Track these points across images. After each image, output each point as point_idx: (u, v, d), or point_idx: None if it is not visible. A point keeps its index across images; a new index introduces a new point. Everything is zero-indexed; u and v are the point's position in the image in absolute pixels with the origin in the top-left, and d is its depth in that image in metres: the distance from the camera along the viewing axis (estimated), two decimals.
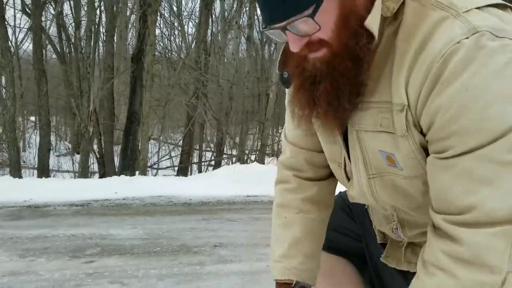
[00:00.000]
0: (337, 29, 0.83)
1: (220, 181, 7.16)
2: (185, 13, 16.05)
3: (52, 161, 11.15)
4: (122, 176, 7.87)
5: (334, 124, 0.94)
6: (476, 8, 0.81)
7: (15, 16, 13.90)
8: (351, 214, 1.34)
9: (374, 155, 0.94)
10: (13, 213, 4.97)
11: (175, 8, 14.56)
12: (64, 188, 6.38)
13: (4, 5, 9.53)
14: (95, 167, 10.71)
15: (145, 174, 8.98)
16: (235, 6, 13.08)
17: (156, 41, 10.94)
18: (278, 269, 1.20)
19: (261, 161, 10.54)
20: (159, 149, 13.20)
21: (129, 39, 14.60)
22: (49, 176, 9.15)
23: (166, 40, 14.84)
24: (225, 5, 13.29)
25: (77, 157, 11.22)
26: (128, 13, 13.35)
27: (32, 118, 17.08)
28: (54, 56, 15.40)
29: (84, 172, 9.42)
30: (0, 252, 3.59)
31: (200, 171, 11.27)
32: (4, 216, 4.84)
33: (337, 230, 1.31)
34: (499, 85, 0.75)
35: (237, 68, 11.73)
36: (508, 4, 0.87)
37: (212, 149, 12.68)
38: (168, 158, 12.81)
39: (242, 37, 12.39)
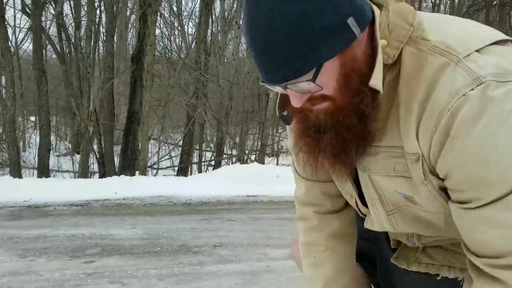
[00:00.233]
0: (340, 88, 0.81)
1: (220, 181, 7.16)
2: (185, 13, 16.06)
3: (52, 161, 11.15)
4: (122, 176, 7.87)
5: (341, 172, 0.93)
6: (476, 51, 0.80)
7: (15, 16, 13.91)
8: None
9: (390, 194, 0.93)
10: (13, 213, 4.98)
11: (175, 8, 14.57)
12: (64, 188, 6.38)
13: (4, 5, 9.53)
14: (95, 167, 10.71)
15: (145, 174, 8.98)
16: (235, 6, 13.09)
17: (156, 41, 10.94)
18: None
19: (261, 161, 10.54)
20: (159, 149, 13.20)
21: (129, 39, 14.61)
22: (49, 176, 9.15)
23: (166, 40, 14.85)
24: (225, 5, 13.31)
25: (77, 157, 11.22)
26: (128, 13, 13.36)
27: (32, 118, 17.08)
28: (54, 56, 15.41)
29: (84, 172, 9.42)
30: (0, 252, 3.59)
31: (200, 171, 11.27)
32: (4, 216, 4.84)
33: None
34: (509, 135, 0.75)
35: (237, 68, 11.73)
36: (508, 37, 0.86)
37: (212, 149, 12.69)
38: (168, 158, 12.81)
39: (242, 37, 12.39)
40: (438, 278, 1.06)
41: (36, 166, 10.26)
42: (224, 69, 11.91)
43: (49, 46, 13.77)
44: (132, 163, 9.63)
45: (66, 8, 12.18)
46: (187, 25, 25.49)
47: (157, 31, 12.07)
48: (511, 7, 13.37)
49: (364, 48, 0.83)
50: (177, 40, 15.96)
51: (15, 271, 3.17)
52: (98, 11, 10.80)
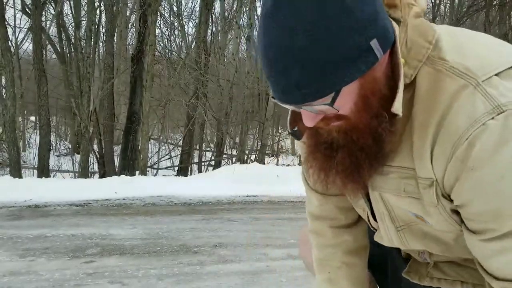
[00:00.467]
0: (358, 110, 0.78)
1: (220, 181, 7.16)
2: (185, 13, 16.06)
3: (52, 161, 11.15)
4: (122, 176, 7.87)
5: (354, 191, 0.92)
6: (496, 74, 0.76)
7: (15, 16, 13.93)
8: None
9: (400, 211, 0.92)
10: (13, 213, 4.98)
11: (175, 8, 14.56)
12: (64, 188, 6.38)
13: (4, 5, 9.54)
14: (95, 167, 10.72)
15: (145, 174, 8.98)
16: (235, 6, 13.10)
17: (156, 41, 10.93)
18: None
19: (261, 161, 10.54)
20: (159, 149, 13.20)
21: (129, 39, 14.61)
22: (49, 176, 9.15)
23: (166, 40, 14.84)
24: (225, 5, 13.31)
25: (77, 157, 11.22)
26: (128, 13, 13.36)
27: (32, 118, 17.09)
28: (54, 56, 15.43)
29: (84, 172, 9.43)
30: (0, 252, 3.59)
31: (200, 171, 11.27)
32: (4, 216, 4.84)
33: None
34: None
35: (237, 68, 11.74)
36: None
37: (212, 149, 12.69)
38: (168, 158, 12.81)
39: (242, 37, 12.40)
40: None
41: (36, 166, 10.26)
42: (224, 69, 11.91)
43: (49, 46, 13.78)
44: (132, 163, 9.63)
45: (66, 8, 12.20)
46: (187, 25, 25.49)
47: (157, 31, 12.08)
48: (511, 7, 13.37)
49: (384, 69, 0.80)
50: (177, 40, 15.96)
51: (15, 271, 3.17)
52: (98, 11, 10.82)
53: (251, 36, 11.74)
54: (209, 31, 11.74)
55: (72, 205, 5.47)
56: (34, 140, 14.04)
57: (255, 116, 11.81)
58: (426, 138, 0.79)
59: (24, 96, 13.68)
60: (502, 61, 0.78)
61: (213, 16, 12.46)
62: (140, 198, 6.06)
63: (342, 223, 1.14)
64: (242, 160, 10.67)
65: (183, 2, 22.89)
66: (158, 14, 11.36)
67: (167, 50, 13.94)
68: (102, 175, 9.47)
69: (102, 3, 10.60)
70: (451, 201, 0.82)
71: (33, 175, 10.34)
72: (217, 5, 12.94)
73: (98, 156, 10.07)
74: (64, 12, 12.18)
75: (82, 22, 10.49)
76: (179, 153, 12.00)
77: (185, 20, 15.46)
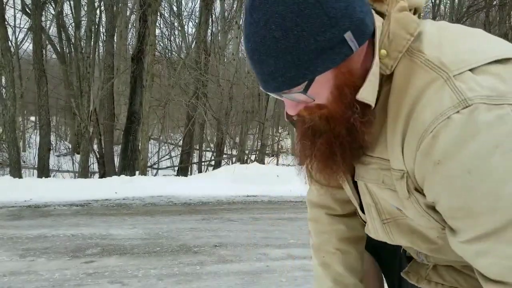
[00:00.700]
0: (334, 100, 0.81)
1: (220, 181, 7.16)
2: (185, 13, 16.11)
3: (52, 161, 11.15)
4: (122, 176, 7.88)
5: (331, 178, 0.93)
6: (470, 70, 0.75)
7: (15, 16, 13.95)
8: None
9: (386, 203, 0.92)
10: (13, 213, 4.98)
11: (175, 8, 14.58)
12: (64, 188, 6.38)
13: (4, 5, 9.54)
14: (95, 167, 10.72)
15: (145, 174, 8.98)
16: (235, 6, 13.10)
17: (156, 41, 10.94)
18: None
19: (261, 161, 10.54)
20: (159, 149, 13.21)
21: (129, 39, 14.61)
22: (49, 176, 9.15)
23: (166, 40, 14.85)
24: (225, 5, 13.31)
25: (77, 157, 11.23)
26: (128, 13, 13.36)
27: (32, 118, 17.11)
28: (54, 56, 15.43)
29: (84, 172, 9.43)
30: (1, 252, 3.59)
31: (200, 171, 11.27)
32: (5, 216, 4.84)
33: None
34: (504, 161, 0.70)
35: (237, 68, 11.74)
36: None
37: (212, 149, 12.69)
38: (168, 158, 12.81)
39: (242, 37, 12.38)
40: None
41: (36, 166, 10.27)
42: (224, 69, 11.91)
43: (49, 46, 13.79)
44: (132, 163, 9.64)
45: (66, 8, 12.21)
46: (187, 25, 25.51)
47: (157, 31, 12.08)
48: (511, 7, 13.37)
49: (362, 61, 0.81)
50: (177, 40, 15.99)
51: (15, 271, 3.17)
52: (98, 11, 10.83)
53: None
54: (209, 31, 11.76)
55: (72, 205, 5.47)
56: (34, 140, 14.04)
57: (255, 116, 11.82)
58: (397, 130, 0.79)
59: (24, 96, 13.69)
60: (481, 57, 0.77)
61: (213, 16, 12.48)
62: (140, 198, 6.06)
63: (339, 213, 1.17)
64: (242, 160, 10.67)
65: (183, 2, 22.92)
66: (158, 14, 11.36)
67: (167, 50, 13.95)
68: (102, 175, 9.47)
69: (102, 3, 10.61)
70: (424, 195, 0.81)
71: (33, 175, 10.34)
72: (217, 5, 12.96)
73: (98, 156, 10.07)
74: (64, 12, 12.20)
75: (82, 22, 10.49)
76: (179, 153, 12.01)
77: (185, 20, 15.50)
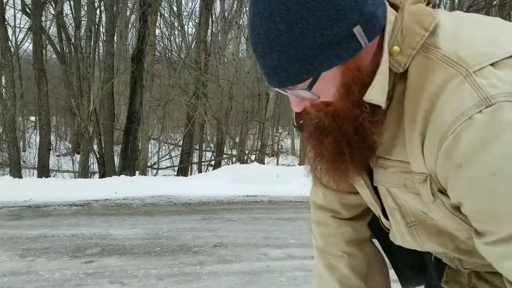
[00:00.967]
0: (340, 98, 0.77)
1: (220, 181, 7.16)
2: (185, 13, 16.05)
3: (52, 161, 11.15)
4: (122, 176, 7.88)
5: (339, 179, 0.88)
6: (492, 64, 0.71)
7: (15, 16, 13.95)
8: None
9: (410, 206, 0.88)
10: (13, 213, 4.98)
11: (175, 8, 14.57)
12: (64, 188, 6.39)
13: (4, 5, 9.54)
14: (95, 167, 10.72)
15: (145, 174, 8.99)
16: (235, 6, 13.10)
17: (156, 41, 10.94)
18: None
19: (261, 161, 10.54)
20: (159, 149, 13.21)
21: (129, 39, 14.62)
22: (49, 176, 9.15)
23: (166, 40, 14.83)
24: (225, 5, 13.31)
25: (77, 157, 11.23)
26: (128, 13, 13.37)
27: (32, 118, 17.11)
28: (54, 56, 15.42)
29: (84, 172, 9.44)
30: (1, 252, 3.59)
31: (200, 171, 11.27)
32: (5, 216, 4.84)
33: None
34: None
35: (237, 68, 11.74)
36: None
37: (212, 149, 12.69)
38: (168, 158, 12.81)
39: (242, 37, 12.40)
40: None
41: (36, 166, 10.27)
42: (224, 69, 11.91)
43: (49, 46, 13.79)
44: (132, 163, 9.64)
45: (66, 8, 12.21)
46: (187, 25, 25.39)
47: (157, 31, 12.07)
48: (511, 7, 13.38)
49: (373, 57, 0.77)
50: (177, 40, 15.97)
51: (15, 271, 3.17)
52: (98, 11, 10.83)
53: None
54: (209, 31, 11.75)
55: (72, 205, 5.47)
56: (34, 140, 14.04)
57: (255, 116, 11.82)
58: (415, 130, 0.75)
59: (24, 96, 13.70)
60: (502, 51, 0.72)
61: (213, 16, 12.47)
62: (140, 198, 6.06)
63: (346, 217, 1.14)
64: (242, 160, 10.67)
65: (183, 2, 22.87)
66: (158, 14, 11.36)
67: (167, 50, 13.93)
68: (102, 175, 9.47)
69: (102, 3, 10.61)
70: (449, 197, 0.78)
71: (33, 175, 10.35)
72: (217, 5, 12.96)
73: (98, 156, 10.08)
74: (64, 12, 12.20)
75: (82, 22, 10.50)
76: (179, 153, 12.01)
77: (185, 20, 15.48)
